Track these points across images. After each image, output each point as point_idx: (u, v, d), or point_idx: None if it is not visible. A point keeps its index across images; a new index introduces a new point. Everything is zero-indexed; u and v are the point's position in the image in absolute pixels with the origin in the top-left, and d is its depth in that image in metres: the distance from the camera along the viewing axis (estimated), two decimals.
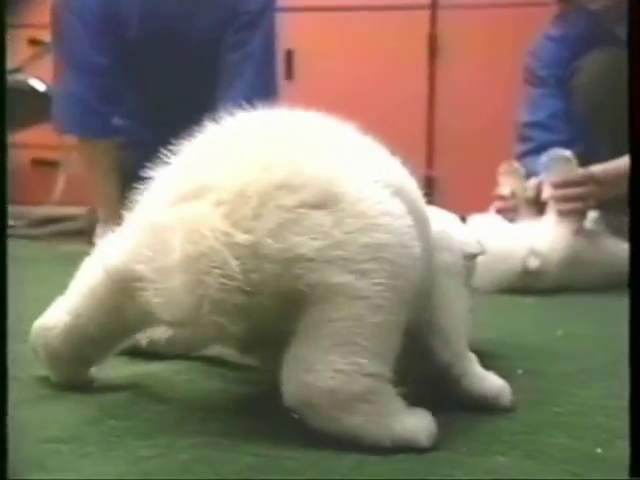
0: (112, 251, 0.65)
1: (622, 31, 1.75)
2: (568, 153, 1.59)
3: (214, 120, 0.71)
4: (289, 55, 2.88)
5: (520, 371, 0.82)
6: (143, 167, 2.40)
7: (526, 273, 1.45)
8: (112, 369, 0.73)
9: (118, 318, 0.66)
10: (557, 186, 1.54)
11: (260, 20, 1.98)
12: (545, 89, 1.80)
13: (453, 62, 2.79)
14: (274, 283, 0.55)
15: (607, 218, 1.69)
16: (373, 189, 0.59)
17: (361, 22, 2.89)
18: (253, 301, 0.56)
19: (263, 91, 1.98)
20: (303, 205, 0.56)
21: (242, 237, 0.55)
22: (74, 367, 0.69)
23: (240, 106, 2.31)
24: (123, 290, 0.63)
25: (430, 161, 2.79)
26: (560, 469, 0.54)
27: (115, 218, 2.16)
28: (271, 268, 0.55)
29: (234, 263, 0.55)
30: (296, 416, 0.60)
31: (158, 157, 2.37)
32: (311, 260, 0.55)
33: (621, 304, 1.38)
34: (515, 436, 0.61)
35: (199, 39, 1.94)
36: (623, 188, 1.71)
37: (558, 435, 0.61)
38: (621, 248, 1.61)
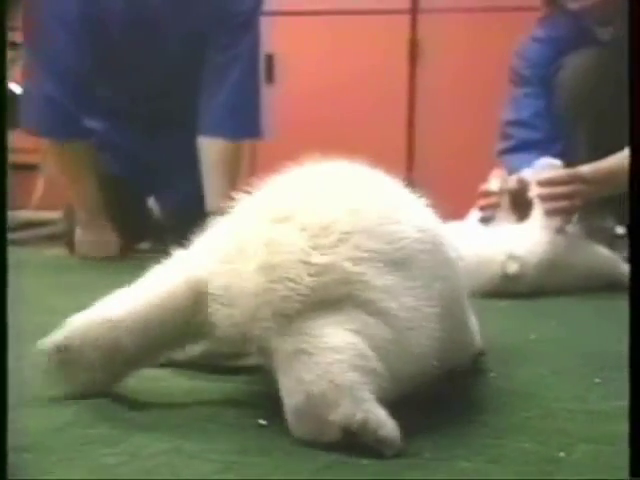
0: (194, 262, 0.68)
1: (602, 33, 1.78)
2: (557, 162, 1.61)
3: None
4: (270, 59, 2.88)
5: (493, 374, 0.83)
6: (119, 169, 2.38)
7: (505, 277, 1.46)
8: None
9: (183, 329, 0.67)
10: (544, 184, 1.55)
11: (251, 22, 1.96)
12: (528, 88, 1.84)
13: (433, 65, 2.80)
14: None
15: (585, 222, 1.71)
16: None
17: (342, 26, 2.90)
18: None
19: (248, 94, 1.99)
20: (376, 252, 0.62)
21: (319, 258, 0.61)
22: (110, 374, 0.68)
23: (224, 109, 2.27)
24: (198, 301, 0.65)
25: (410, 164, 2.80)
26: (520, 473, 0.54)
27: (94, 220, 2.14)
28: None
29: (307, 279, 0.60)
30: (263, 422, 0.61)
31: (134, 159, 2.34)
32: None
33: (594, 307, 1.40)
34: (482, 440, 0.61)
35: (185, 37, 1.91)
36: (611, 188, 1.74)
37: (523, 440, 0.62)
38: (598, 252, 1.63)
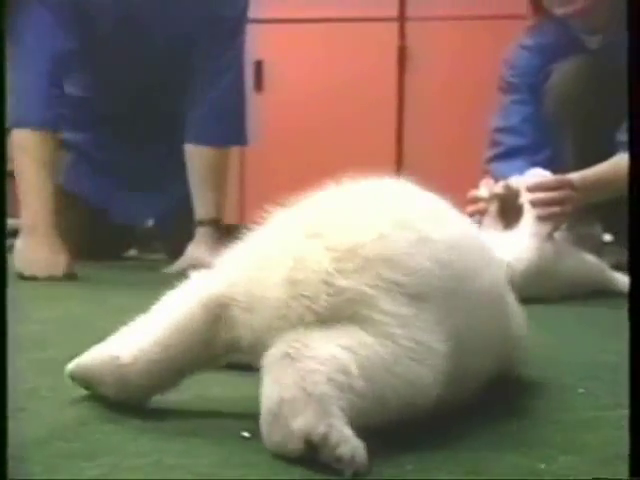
0: (209, 282, 0.68)
1: (591, 41, 1.79)
2: (547, 173, 1.61)
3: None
4: (259, 66, 2.89)
5: None
6: (76, 169, 2.30)
7: None
8: (63, 390, 0.73)
9: (207, 350, 0.67)
10: (534, 190, 1.56)
11: (239, 28, 1.96)
12: (516, 95, 1.86)
13: (422, 73, 2.81)
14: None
15: (573, 230, 1.72)
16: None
17: (331, 34, 2.91)
18: None
19: (235, 102, 1.98)
20: (395, 283, 0.62)
21: (340, 281, 0.61)
22: (145, 395, 0.69)
23: (211, 116, 2.28)
24: (218, 319, 0.65)
25: (399, 169, 2.81)
26: None
27: (43, 234, 2.02)
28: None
29: (324, 299, 0.61)
30: (247, 435, 0.61)
31: (114, 170, 2.30)
32: None
33: (580, 315, 1.40)
34: (464, 453, 0.61)
35: (172, 40, 1.91)
36: (599, 194, 1.75)
37: (505, 451, 0.62)
38: (585, 260, 1.64)
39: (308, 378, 0.56)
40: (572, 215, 1.70)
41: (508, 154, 1.81)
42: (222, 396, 0.76)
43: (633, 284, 0.56)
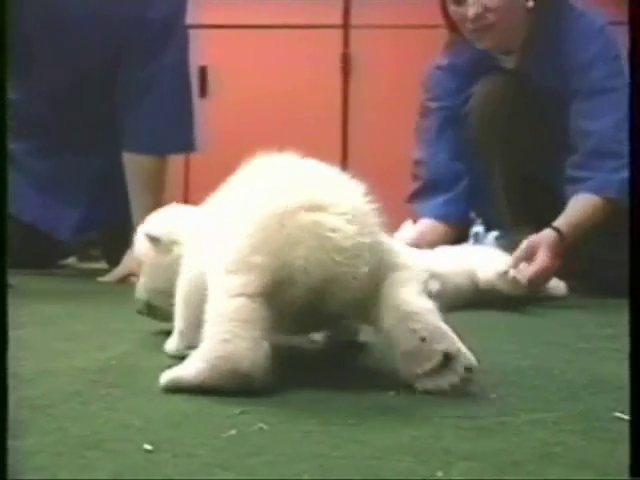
0: (253, 278, 0.79)
1: (506, 61, 1.80)
2: (434, 222, 1.63)
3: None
4: (203, 72, 2.88)
5: (391, 393, 0.84)
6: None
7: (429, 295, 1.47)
8: None
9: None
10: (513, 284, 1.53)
11: (171, 32, 1.92)
12: (433, 121, 1.83)
13: (365, 80, 2.83)
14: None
15: (507, 236, 1.74)
16: None
17: (276, 40, 2.91)
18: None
19: (174, 108, 1.96)
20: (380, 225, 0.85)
21: (366, 238, 0.80)
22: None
23: (147, 124, 2.25)
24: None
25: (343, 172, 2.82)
26: None
27: None
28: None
29: (366, 256, 0.80)
30: (149, 447, 0.60)
31: (29, 172, 2.23)
32: None
33: (499, 321, 1.42)
34: (364, 462, 0.62)
35: (100, 44, 1.89)
36: (584, 236, 1.72)
37: (405, 459, 0.62)
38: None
39: (433, 320, 0.84)
40: (505, 221, 1.73)
41: (425, 190, 1.80)
42: (133, 406, 0.76)
43: (633, 284, 0.57)
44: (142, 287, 1.13)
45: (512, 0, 1.70)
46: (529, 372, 0.96)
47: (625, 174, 1.62)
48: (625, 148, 1.78)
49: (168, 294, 1.03)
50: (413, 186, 1.82)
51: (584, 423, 0.72)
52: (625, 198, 1.60)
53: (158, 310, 1.11)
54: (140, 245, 1.12)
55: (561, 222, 1.59)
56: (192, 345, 0.85)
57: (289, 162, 0.91)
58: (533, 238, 1.57)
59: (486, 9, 1.69)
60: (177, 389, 0.79)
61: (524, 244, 1.56)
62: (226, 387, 0.77)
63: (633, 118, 0.60)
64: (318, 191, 0.81)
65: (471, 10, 1.69)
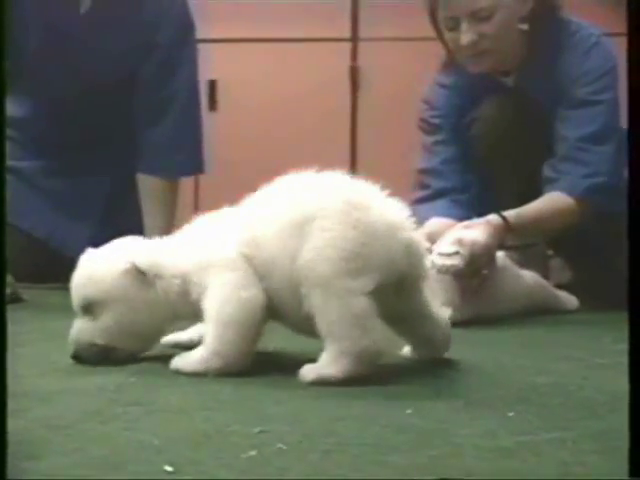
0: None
1: (505, 81, 1.80)
2: (448, 221, 1.62)
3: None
4: (213, 86, 2.89)
5: (409, 411, 0.84)
6: (18, 199, 2.24)
7: None
8: None
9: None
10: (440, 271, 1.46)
11: (181, 54, 1.93)
12: (439, 136, 1.82)
13: (374, 93, 2.84)
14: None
15: (516, 248, 1.73)
16: None
17: (284, 53, 2.92)
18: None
19: (186, 131, 1.97)
20: None
21: (404, 234, 0.98)
22: None
23: (162, 147, 2.23)
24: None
25: None
26: None
27: None
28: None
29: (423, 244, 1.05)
30: (170, 469, 0.60)
31: (42, 191, 2.22)
32: None
33: (521, 336, 1.42)
34: None
35: (105, 71, 1.89)
36: (534, 233, 1.73)
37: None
38: (525, 279, 1.65)
39: None
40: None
41: (435, 197, 1.79)
42: (152, 426, 0.76)
43: (633, 285, 0.57)
44: (98, 330, 1.04)
45: (506, 25, 1.70)
46: (545, 389, 0.95)
47: (593, 181, 1.64)
48: (596, 158, 1.77)
49: (139, 334, 1.04)
50: (419, 193, 1.81)
51: (604, 442, 0.72)
52: (595, 201, 1.62)
53: (118, 353, 1.04)
54: (107, 280, 1.03)
55: (511, 212, 1.60)
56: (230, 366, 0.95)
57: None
58: (476, 219, 1.57)
59: (480, 36, 1.69)
60: (323, 385, 0.91)
61: (465, 223, 1.56)
62: (364, 377, 0.91)
63: (632, 116, 0.60)
64: (400, 209, 1.00)
65: (465, 37, 1.69)
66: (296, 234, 0.95)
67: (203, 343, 0.99)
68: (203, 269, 1.00)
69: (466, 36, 1.68)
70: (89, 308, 1.05)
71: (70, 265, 2.26)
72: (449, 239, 1.48)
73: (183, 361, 1.00)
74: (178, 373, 0.99)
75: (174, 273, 1.02)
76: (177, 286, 1.02)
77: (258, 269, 0.99)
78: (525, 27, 1.72)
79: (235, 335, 0.97)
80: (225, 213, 1.08)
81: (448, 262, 1.44)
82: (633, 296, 0.57)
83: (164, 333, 1.10)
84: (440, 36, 1.76)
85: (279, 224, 0.97)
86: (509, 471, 0.64)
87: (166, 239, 1.09)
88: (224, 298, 0.98)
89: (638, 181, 0.59)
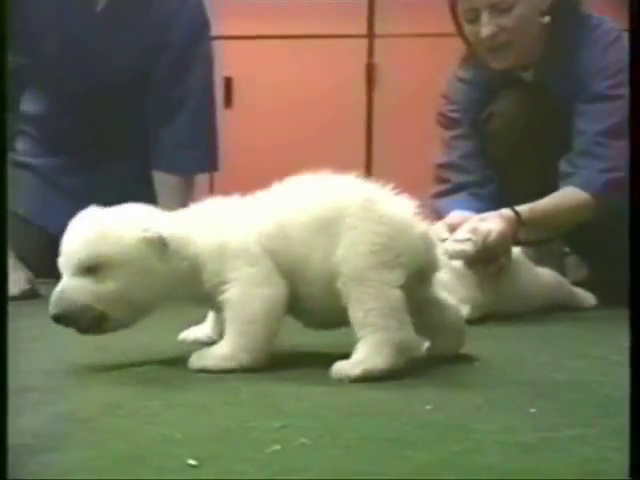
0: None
1: (525, 75, 1.79)
2: (468, 214, 1.61)
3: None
4: (228, 82, 2.89)
5: (429, 406, 0.84)
6: (39, 197, 2.24)
7: None
8: None
9: None
10: (454, 256, 1.50)
11: (195, 52, 1.93)
12: (457, 130, 1.82)
13: (390, 89, 2.83)
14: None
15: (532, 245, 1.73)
16: None
17: (300, 50, 2.92)
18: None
19: (202, 129, 1.98)
20: None
21: (419, 228, 1.02)
22: None
23: (177, 145, 2.23)
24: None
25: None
26: None
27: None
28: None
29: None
30: (193, 463, 0.61)
31: (62, 188, 2.22)
32: None
33: (538, 332, 1.41)
34: (406, 477, 0.61)
35: (123, 66, 1.90)
36: (547, 228, 1.73)
37: (447, 475, 0.62)
38: (544, 276, 1.64)
39: None
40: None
41: (454, 191, 1.78)
42: (173, 419, 0.76)
43: (633, 286, 0.56)
44: (100, 293, 0.95)
45: (527, 18, 1.69)
46: (565, 386, 0.95)
47: (611, 176, 1.63)
48: (613, 153, 1.75)
49: (139, 306, 0.98)
50: (437, 187, 1.81)
51: (627, 439, 0.71)
52: (612, 196, 1.60)
53: (110, 322, 0.97)
54: (125, 243, 0.96)
55: (524, 206, 1.60)
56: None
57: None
58: (491, 212, 1.57)
59: (500, 28, 1.68)
60: (369, 379, 0.92)
61: (480, 215, 1.56)
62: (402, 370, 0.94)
63: (633, 117, 0.60)
64: (410, 206, 1.03)
65: (485, 30, 1.68)
66: (325, 233, 0.97)
67: (225, 339, 0.99)
68: (221, 257, 0.99)
69: (486, 28, 1.67)
70: (95, 268, 0.95)
71: None
72: (465, 229, 1.50)
73: (205, 358, 0.99)
74: (202, 371, 0.97)
75: (188, 253, 0.99)
76: (187, 267, 0.99)
77: (283, 265, 0.99)
78: (546, 20, 1.71)
79: (259, 332, 0.97)
80: (238, 201, 1.07)
81: (459, 247, 1.47)
82: (633, 295, 0.57)
83: (156, 309, 1.04)
84: (460, 30, 1.76)
85: (306, 223, 0.99)
86: (531, 467, 0.64)
87: (179, 216, 1.05)
88: (247, 294, 0.97)
89: (638, 182, 0.58)
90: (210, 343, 1.05)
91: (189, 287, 1.01)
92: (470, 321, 1.45)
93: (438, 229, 1.53)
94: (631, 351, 0.56)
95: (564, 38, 1.73)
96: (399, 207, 1.01)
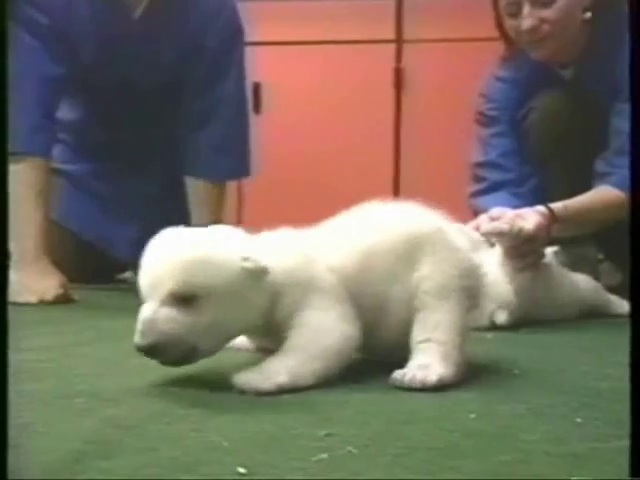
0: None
1: (565, 74, 1.79)
2: (508, 210, 1.59)
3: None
4: (257, 88, 2.90)
5: (473, 415, 0.83)
6: (71, 202, 2.27)
7: (492, 324, 1.44)
8: (60, 424, 0.73)
9: None
10: (487, 235, 1.50)
11: (230, 58, 1.95)
12: (496, 128, 1.82)
13: (418, 94, 2.82)
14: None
15: (566, 251, 1.71)
16: None
17: (328, 56, 2.93)
18: None
19: (234, 135, 1.99)
20: None
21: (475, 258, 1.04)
22: None
23: (209, 151, 2.26)
24: None
25: (397, 191, 2.82)
26: None
27: (35, 261, 1.94)
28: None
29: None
30: (243, 471, 0.61)
31: (94, 194, 2.25)
32: None
33: (576, 339, 1.40)
34: None
35: (159, 70, 1.92)
36: (580, 226, 1.73)
37: None
38: (579, 282, 1.63)
39: None
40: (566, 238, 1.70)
41: (493, 189, 1.78)
42: (219, 427, 0.76)
43: (633, 286, 0.56)
44: (196, 326, 0.87)
45: (569, 12, 1.69)
46: (609, 394, 0.94)
47: None
48: None
49: (226, 337, 0.93)
50: (476, 186, 1.80)
51: None
52: None
53: (199, 354, 0.91)
54: (226, 273, 0.88)
55: (558, 204, 1.58)
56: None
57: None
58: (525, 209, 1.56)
59: (542, 21, 1.68)
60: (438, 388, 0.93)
61: (516, 212, 1.55)
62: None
63: (634, 116, 0.59)
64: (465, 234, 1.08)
65: (526, 22, 1.68)
66: (404, 264, 0.98)
67: (283, 359, 0.92)
68: (300, 287, 0.94)
69: (527, 21, 1.67)
70: (190, 298, 0.86)
71: (117, 266, 2.30)
72: (502, 220, 1.50)
73: (259, 379, 0.89)
74: (254, 393, 0.88)
75: (273, 283, 0.92)
76: (269, 295, 0.93)
77: (358, 299, 0.96)
78: (587, 16, 1.71)
79: (332, 361, 0.92)
80: (312, 234, 1.02)
81: (495, 225, 1.47)
82: (634, 296, 0.56)
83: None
84: (500, 26, 1.76)
85: (384, 255, 0.98)
86: (582, 478, 0.63)
87: (258, 242, 0.97)
88: (326, 326, 0.93)
89: (639, 183, 0.57)
90: (253, 351, 1.05)
91: (265, 316, 0.93)
92: (504, 327, 1.44)
93: (480, 221, 1.52)
94: (631, 352, 0.55)
95: (605, 36, 1.72)
96: (460, 236, 1.04)
